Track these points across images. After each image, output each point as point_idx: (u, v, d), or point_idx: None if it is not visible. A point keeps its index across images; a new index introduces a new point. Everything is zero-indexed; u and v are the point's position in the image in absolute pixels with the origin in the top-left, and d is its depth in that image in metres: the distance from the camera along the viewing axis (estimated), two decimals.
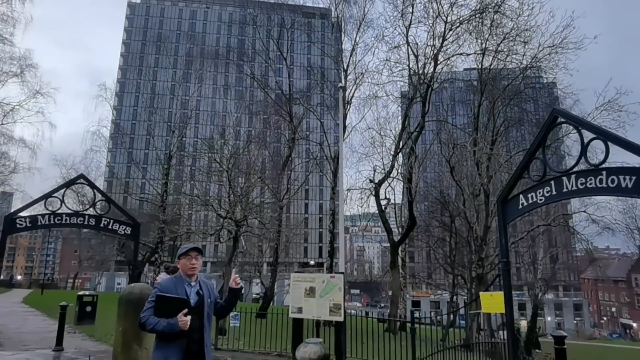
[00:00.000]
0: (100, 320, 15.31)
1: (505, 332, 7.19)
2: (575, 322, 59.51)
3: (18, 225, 10.40)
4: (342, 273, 9.61)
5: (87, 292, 19.58)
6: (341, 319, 9.09)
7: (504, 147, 24.78)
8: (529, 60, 21.19)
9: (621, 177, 6.02)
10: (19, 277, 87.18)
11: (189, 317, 3.46)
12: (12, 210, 11.72)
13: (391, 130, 30.63)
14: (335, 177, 24.15)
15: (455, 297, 26.93)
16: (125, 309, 5.53)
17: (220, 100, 77.69)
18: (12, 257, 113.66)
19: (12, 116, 23.11)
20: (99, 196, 11.53)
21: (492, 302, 7.64)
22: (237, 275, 3.88)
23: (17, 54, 22.23)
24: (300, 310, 9.56)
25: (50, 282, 67.20)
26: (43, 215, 10.43)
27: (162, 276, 7.38)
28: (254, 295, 56.44)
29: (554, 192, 6.70)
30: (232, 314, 11.53)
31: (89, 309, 15.78)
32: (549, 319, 51.04)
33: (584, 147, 6.61)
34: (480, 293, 8.60)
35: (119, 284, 62.44)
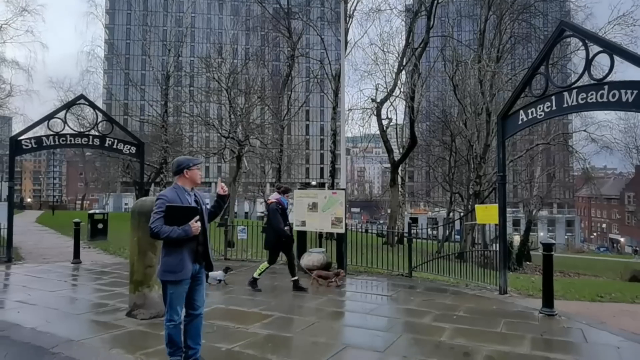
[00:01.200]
0: (112, 237, 16.12)
1: (500, 244, 7.62)
2: (566, 237, 62.09)
3: (24, 147, 10.57)
4: (343, 189, 9.96)
5: (97, 211, 20.39)
6: (342, 231, 9.60)
7: (509, 65, 24.16)
8: None
9: (622, 92, 6.05)
10: (28, 200, 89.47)
11: (199, 223, 3.78)
12: (13, 134, 11.82)
13: (394, 47, 29.68)
14: (337, 97, 23.86)
15: (452, 214, 27.85)
16: (138, 220, 5.84)
17: (215, 16, 74.06)
18: (19, 180, 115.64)
19: (1, 36, 22.32)
20: (100, 116, 11.57)
21: (486, 213, 8.02)
22: (223, 183, 4.18)
23: None
24: (304, 223, 10.07)
25: (59, 204, 69.18)
26: (48, 137, 10.56)
27: (275, 195, 7.84)
28: (258, 214, 58.26)
29: (554, 108, 6.77)
30: (239, 227, 12.15)
31: (100, 226, 16.58)
32: (541, 234, 53.16)
33: (589, 62, 6.56)
34: (476, 205, 8.98)
35: (126, 204, 64.25)
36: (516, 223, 49.58)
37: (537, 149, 26.60)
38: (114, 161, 35.49)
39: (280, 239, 7.55)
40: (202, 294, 4.06)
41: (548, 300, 6.12)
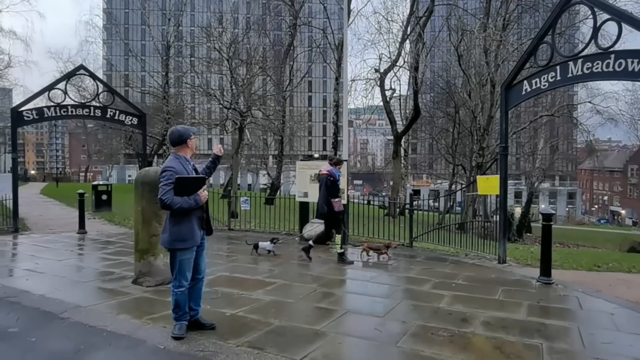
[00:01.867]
0: (116, 208, 16.30)
1: (500, 215, 7.68)
2: (567, 209, 62.30)
3: (25, 118, 10.55)
4: (345, 160, 9.96)
5: (101, 182, 20.52)
6: (344, 202, 9.67)
7: (515, 35, 23.66)
8: None
9: (629, 61, 5.96)
10: (32, 172, 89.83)
11: (207, 192, 3.87)
12: (13, 105, 11.78)
13: (399, 15, 29.01)
14: (339, 67, 23.51)
15: (454, 186, 27.93)
16: (141, 190, 5.91)
17: None
18: (22, 152, 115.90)
19: None
20: (101, 87, 11.50)
21: (487, 184, 8.05)
22: (219, 145, 4.30)
23: None
24: (306, 194, 10.15)
25: (63, 176, 69.46)
26: (49, 108, 10.53)
27: (326, 167, 7.67)
28: (261, 186, 58.46)
29: (558, 78, 6.69)
30: (242, 198, 12.26)
31: (104, 197, 16.73)
32: (542, 206, 53.28)
33: (596, 30, 6.45)
34: (477, 176, 8.99)
35: (129, 176, 64.44)
36: (518, 195, 49.69)
37: (540, 121, 26.38)
38: (116, 133, 35.47)
39: (332, 210, 7.40)
40: (204, 258, 4.24)
41: (546, 269, 6.23)
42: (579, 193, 68.97)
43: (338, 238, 7.64)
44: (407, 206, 10.25)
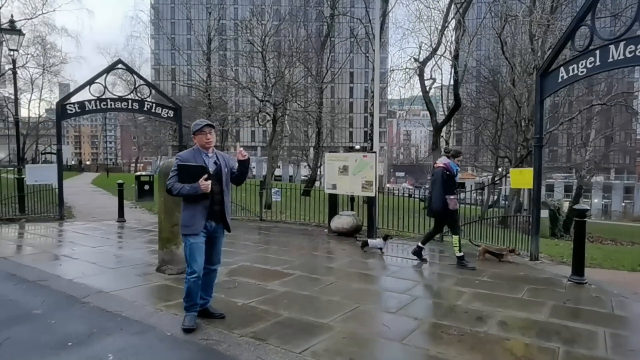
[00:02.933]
0: (159, 198, 16.91)
1: (534, 210, 7.28)
2: (623, 204, 58.43)
3: (69, 111, 11.14)
4: (374, 152, 9.80)
5: (143, 173, 21.46)
6: (373, 194, 9.53)
7: (564, 20, 22.31)
8: None
9: None
10: (87, 163, 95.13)
11: (209, 182, 3.89)
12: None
13: (438, 2, 28.09)
14: (379, 58, 23.08)
15: (497, 178, 26.88)
16: (164, 181, 6.06)
17: None
18: (79, 144, 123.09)
19: (51, 4, 23.18)
20: (139, 81, 11.91)
21: (521, 178, 7.68)
22: (241, 148, 4.22)
23: None
24: (334, 186, 10.09)
25: (114, 166, 73.06)
26: (90, 101, 11.05)
27: (443, 160, 6.97)
28: (302, 177, 58.92)
29: (597, 63, 6.24)
30: (273, 189, 12.37)
31: (147, 187, 17.37)
32: (595, 200, 50.34)
33: None
34: (511, 169, 8.57)
35: None
36: (568, 189, 47.14)
37: (593, 111, 24.78)
38: (163, 125, 36.77)
39: (447, 208, 6.68)
40: (218, 251, 4.27)
41: (578, 268, 5.86)
42: (637, 187, 64.47)
43: (455, 239, 6.86)
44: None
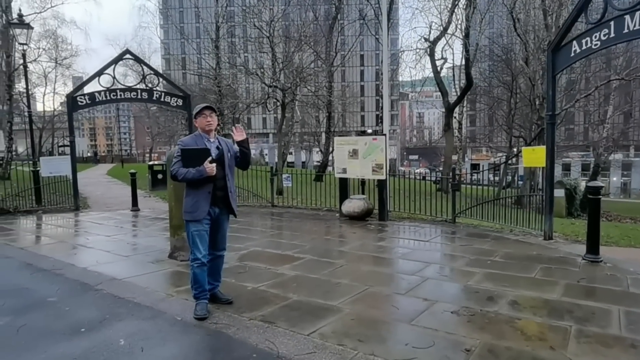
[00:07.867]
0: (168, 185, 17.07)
1: (547, 188, 7.12)
2: None
3: (79, 103, 11.24)
4: (384, 135, 9.70)
5: (156, 162, 21.70)
6: (383, 177, 9.47)
7: None
8: None
9: None
10: (103, 154, 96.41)
11: (214, 164, 3.88)
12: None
13: None
14: (388, 37, 22.74)
15: (511, 158, 26.46)
16: None
17: None
18: (94, 136, 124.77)
19: None
20: (147, 70, 11.93)
21: (533, 156, 7.52)
22: (239, 125, 4.19)
23: None
24: (344, 170, 10.04)
25: (129, 157, 73.97)
26: (99, 92, 11.13)
27: None
28: (314, 163, 58.87)
29: (612, 35, 6.01)
30: (284, 175, 12.39)
31: (160, 176, 17.62)
32: (614, 178, 49.20)
33: None
34: (522, 148, 8.41)
35: None
36: (585, 168, 46.16)
37: (611, 86, 24.10)
38: (175, 115, 36.99)
39: None
40: (223, 237, 4.26)
41: (593, 246, 5.75)
42: None
43: None
44: (451, 181, 9.76)
